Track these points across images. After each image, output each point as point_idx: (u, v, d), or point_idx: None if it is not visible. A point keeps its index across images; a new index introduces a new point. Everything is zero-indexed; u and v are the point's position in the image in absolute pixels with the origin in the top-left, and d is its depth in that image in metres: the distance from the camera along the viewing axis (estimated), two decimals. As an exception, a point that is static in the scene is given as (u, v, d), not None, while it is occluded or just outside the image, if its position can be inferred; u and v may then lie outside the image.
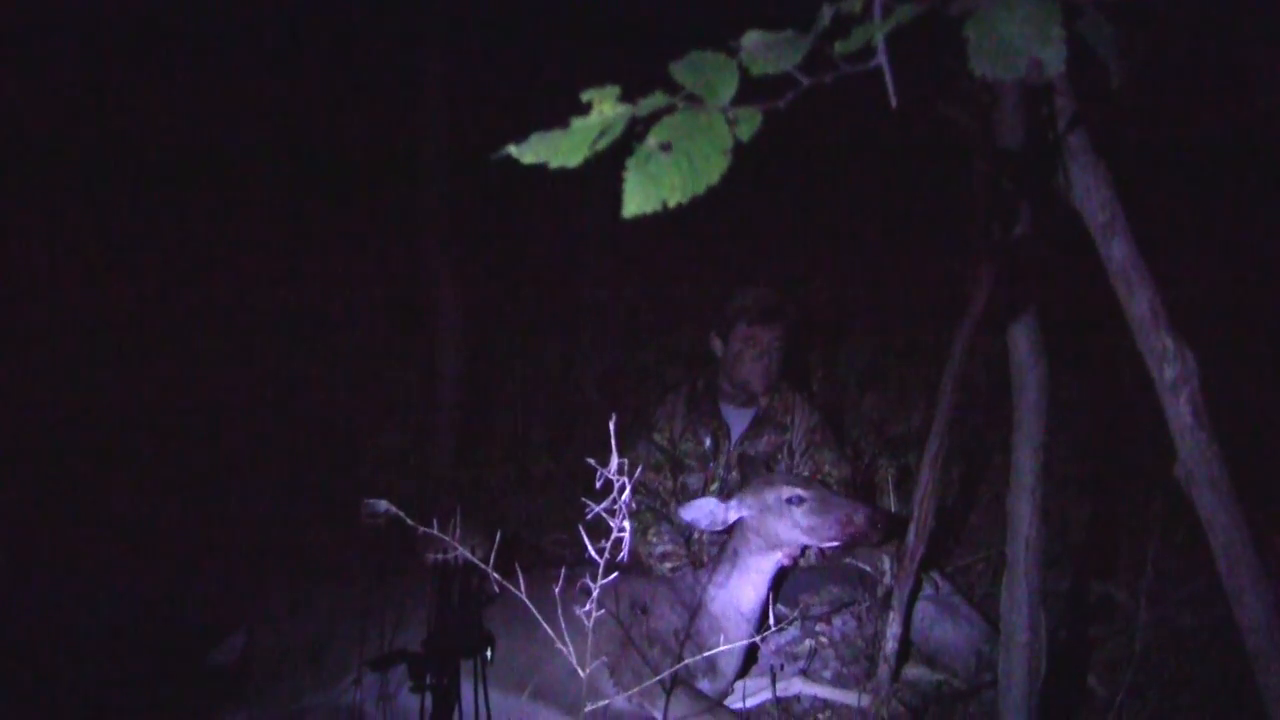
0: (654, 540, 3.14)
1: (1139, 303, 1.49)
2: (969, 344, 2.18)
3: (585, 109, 0.91)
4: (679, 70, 0.90)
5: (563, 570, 2.01)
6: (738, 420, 3.33)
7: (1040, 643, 1.94)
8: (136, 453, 4.57)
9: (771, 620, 2.64)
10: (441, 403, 4.85)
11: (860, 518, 2.63)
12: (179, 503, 4.19)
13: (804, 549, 2.84)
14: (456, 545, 1.88)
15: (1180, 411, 1.47)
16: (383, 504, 1.83)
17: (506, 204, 5.78)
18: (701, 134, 0.89)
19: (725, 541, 2.84)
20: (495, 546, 1.87)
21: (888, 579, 2.95)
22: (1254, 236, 4.28)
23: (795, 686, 2.86)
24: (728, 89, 0.90)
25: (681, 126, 0.89)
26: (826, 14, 0.88)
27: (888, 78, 0.86)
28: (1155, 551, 2.59)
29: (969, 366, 2.32)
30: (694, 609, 2.75)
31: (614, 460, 1.64)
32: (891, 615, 2.41)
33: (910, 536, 2.33)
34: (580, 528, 1.74)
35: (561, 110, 0.93)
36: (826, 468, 3.25)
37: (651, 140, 0.89)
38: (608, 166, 0.93)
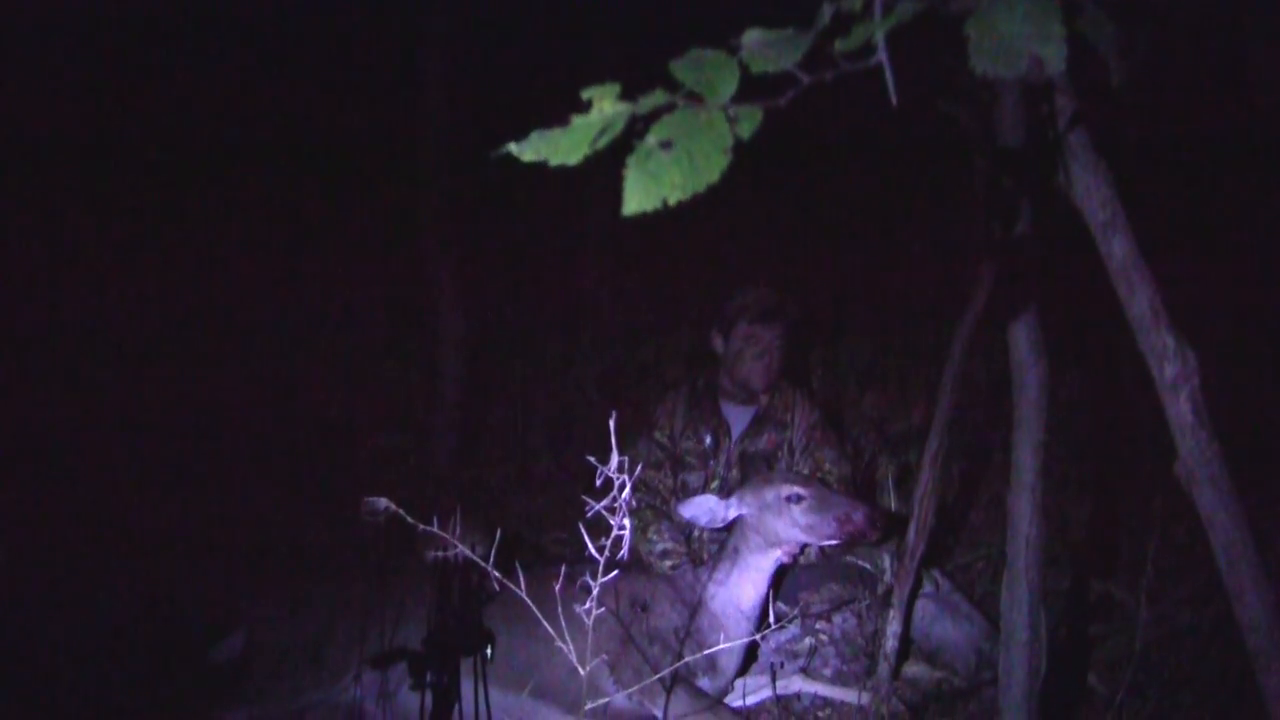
0: (654, 538, 3.14)
1: (1139, 301, 1.49)
2: (969, 342, 2.18)
3: (585, 107, 0.91)
4: (679, 68, 0.90)
5: (563, 568, 2.01)
6: (738, 418, 3.34)
7: (1040, 641, 1.94)
8: (136, 453, 4.57)
9: (772, 618, 2.65)
10: (442, 402, 4.85)
11: (859, 516, 2.63)
12: (179, 503, 4.18)
13: (804, 547, 2.84)
14: (457, 543, 1.89)
15: (1181, 410, 1.47)
16: (383, 502, 1.83)
17: (507, 204, 5.78)
18: (702, 132, 0.89)
19: (725, 539, 2.84)
20: (495, 544, 1.87)
21: (888, 577, 2.95)
22: (1254, 235, 4.27)
23: (795, 684, 2.86)
24: (728, 87, 0.90)
25: (682, 124, 0.89)
26: (827, 12, 0.88)
27: (888, 76, 0.86)
28: (1155, 550, 2.59)
29: (969, 365, 2.33)
30: (694, 607, 2.75)
31: (614, 458, 1.64)
32: (892, 613, 2.41)
33: (910, 534, 2.33)
34: (580, 526, 1.74)
35: (562, 108, 0.93)
36: (827, 466, 3.25)
37: (652, 138, 0.89)
38: (608, 165, 0.93)
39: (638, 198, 0.88)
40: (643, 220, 0.92)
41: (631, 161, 0.89)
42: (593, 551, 1.70)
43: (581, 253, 6.19)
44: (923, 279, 5.25)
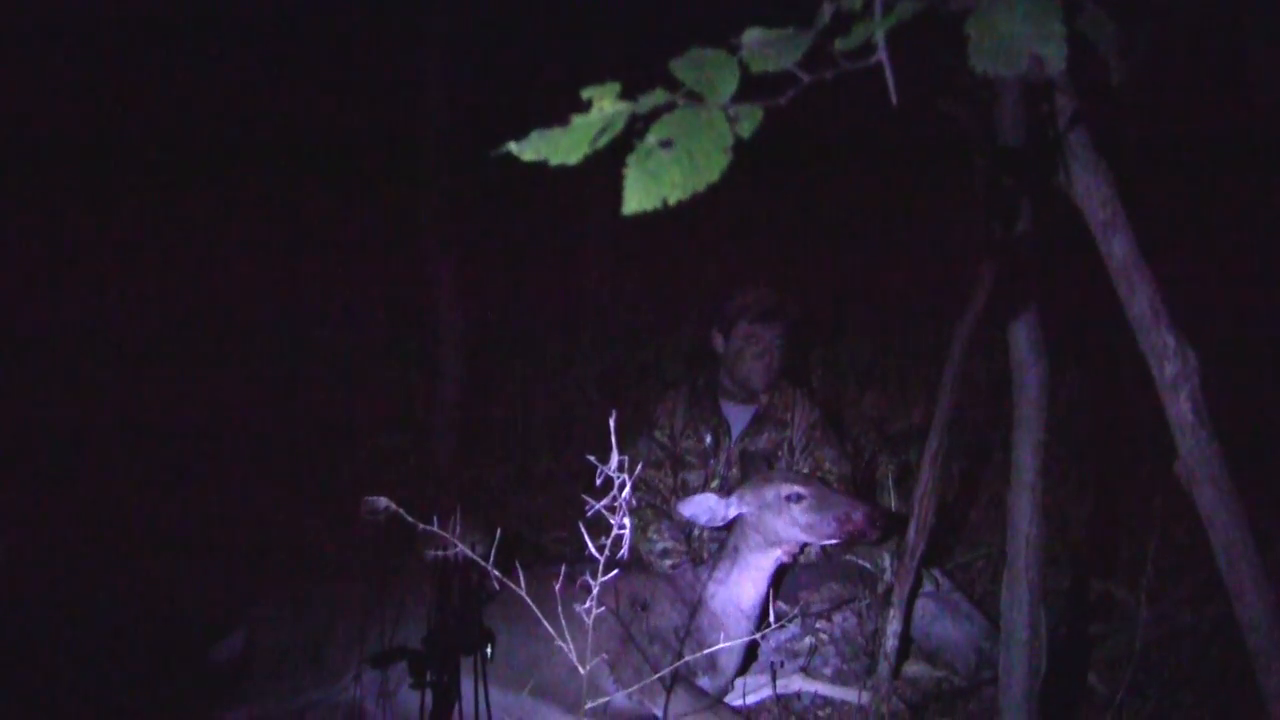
0: (654, 537, 3.14)
1: (1139, 300, 1.49)
2: (969, 342, 2.18)
3: (585, 106, 0.91)
4: (679, 67, 0.90)
5: (563, 567, 2.01)
6: (738, 417, 3.34)
7: (1040, 640, 1.93)
8: (136, 453, 4.57)
9: (772, 617, 2.65)
10: (442, 402, 4.86)
11: (859, 515, 2.63)
12: (179, 503, 4.19)
13: (804, 546, 2.84)
14: (457, 543, 1.89)
15: (1181, 409, 1.47)
16: (383, 501, 1.83)
17: (507, 204, 5.78)
18: (702, 131, 0.89)
19: (725, 539, 2.84)
20: (495, 544, 1.87)
21: (888, 576, 2.95)
22: (1255, 234, 4.27)
23: (795, 684, 2.87)
24: (728, 86, 0.90)
25: (682, 124, 0.89)
26: (827, 11, 0.88)
27: (888, 75, 0.86)
28: (1156, 549, 2.59)
29: (969, 365, 2.32)
30: (694, 606, 2.75)
31: (614, 457, 1.64)
32: (892, 612, 2.41)
33: (910, 533, 2.33)
34: (580, 525, 1.74)
35: (562, 108, 0.93)
36: (827, 465, 3.25)
37: (652, 137, 0.89)
38: (608, 164, 0.93)
39: (638, 197, 0.88)
40: (643, 220, 0.92)
41: (631, 161, 0.89)
42: (593, 551, 1.70)
43: (581, 253, 6.19)
44: (923, 279, 5.25)
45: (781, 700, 2.80)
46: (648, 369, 5.46)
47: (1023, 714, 1.93)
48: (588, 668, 1.83)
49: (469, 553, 1.87)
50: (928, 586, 2.98)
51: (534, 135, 0.91)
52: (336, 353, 5.58)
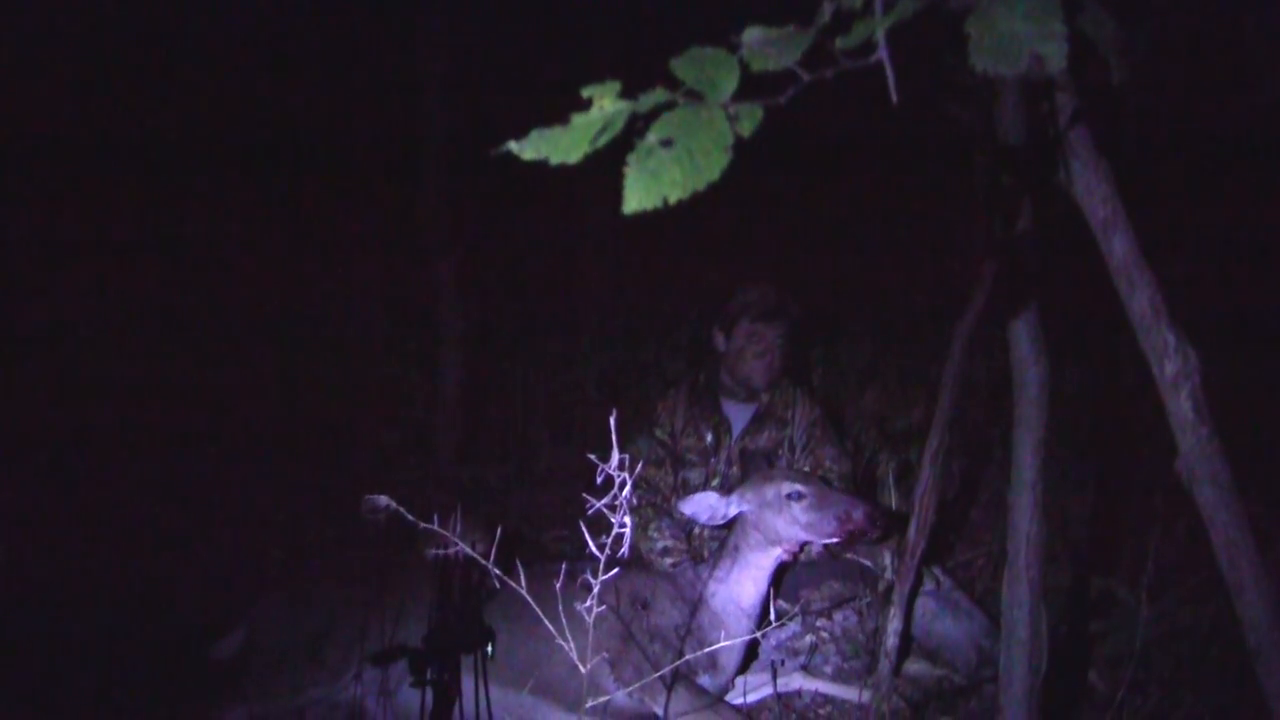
0: (655, 536, 3.14)
1: (1140, 299, 1.49)
2: (969, 341, 2.18)
3: (585, 105, 0.91)
4: (680, 66, 0.90)
5: (564, 566, 2.01)
6: (739, 415, 3.34)
7: (1041, 638, 1.94)
8: (136, 452, 4.57)
9: (772, 615, 2.65)
10: (442, 401, 4.86)
11: (859, 514, 2.63)
12: (179, 502, 4.19)
13: (804, 544, 2.84)
14: (457, 541, 1.89)
15: (1181, 407, 1.47)
16: (383, 500, 1.83)
17: (507, 203, 5.78)
18: (702, 130, 0.89)
19: (726, 537, 2.84)
20: (496, 542, 1.87)
21: (888, 574, 2.95)
22: (1255, 234, 4.27)
23: (796, 682, 2.87)
24: (728, 85, 0.90)
25: (682, 122, 0.89)
26: (827, 9, 0.88)
27: (889, 73, 0.86)
28: (1156, 547, 2.59)
29: (969, 363, 2.32)
30: (695, 604, 2.75)
31: (615, 456, 1.64)
32: (892, 610, 2.41)
33: (911, 532, 2.33)
34: (581, 523, 1.74)
35: (562, 108, 0.93)
36: (827, 463, 3.25)
37: (652, 136, 0.89)
38: (608, 164, 0.93)
39: (638, 196, 0.88)
40: (643, 219, 0.92)
41: (632, 160, 0.89)
42: (593, 549, 1.70)
43: (581, 252, 6.19)
44: (923, 279, 5.25)
45: (782, 698, 2.80)
46: (648, 368, 5.46)
47: (1023, 712, 1.93)
48: (588, 666, 1.83)
49: (469, 551, 1.87)
50: (928, 585, 2.98)
51: (534, 134, 0.91)
52: (337, 352, 5.58)
